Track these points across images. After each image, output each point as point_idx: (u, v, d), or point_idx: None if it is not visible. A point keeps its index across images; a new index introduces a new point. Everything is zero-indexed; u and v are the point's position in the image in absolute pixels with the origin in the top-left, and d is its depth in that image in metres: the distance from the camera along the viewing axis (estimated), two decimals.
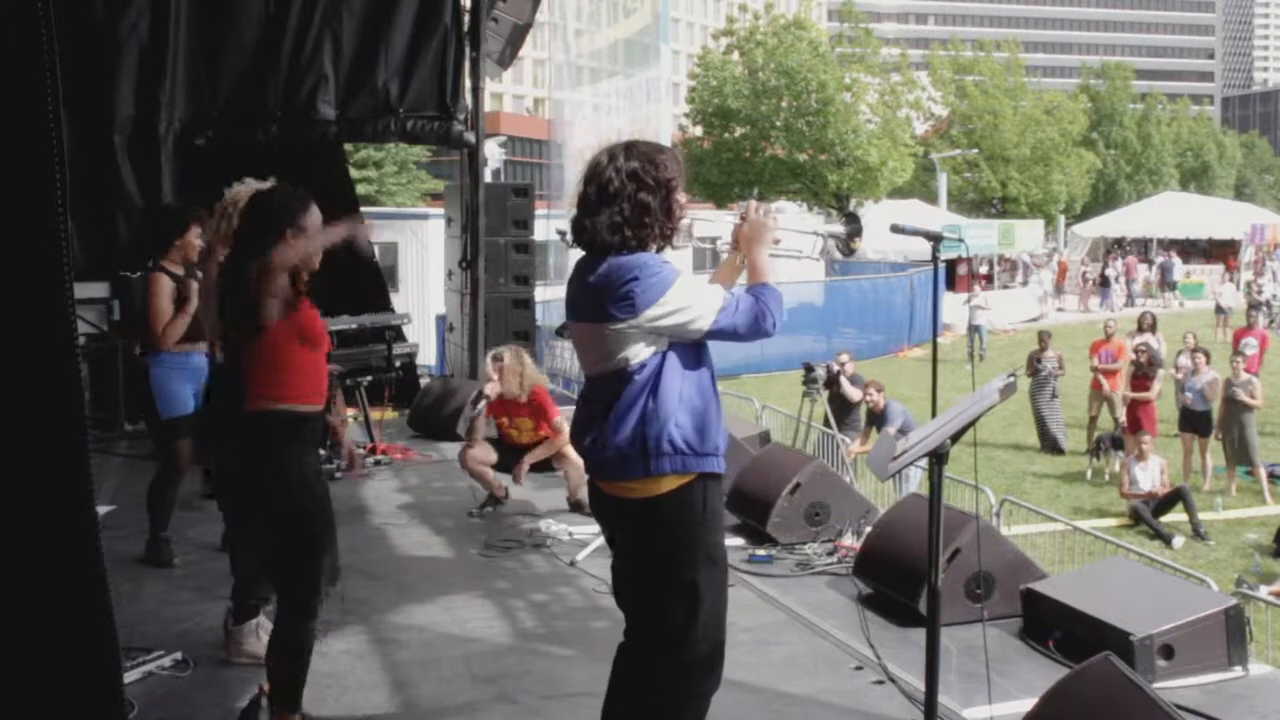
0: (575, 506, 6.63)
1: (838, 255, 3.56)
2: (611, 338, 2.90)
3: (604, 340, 2.92)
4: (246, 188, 4.69)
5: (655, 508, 2.91)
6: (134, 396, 8.98)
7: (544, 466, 6.80)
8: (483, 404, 6.66)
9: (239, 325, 3.61)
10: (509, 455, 6.71)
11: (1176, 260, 36.94)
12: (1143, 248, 40.57)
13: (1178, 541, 10.24)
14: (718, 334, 2.92)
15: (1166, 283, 35.41)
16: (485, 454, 6.68)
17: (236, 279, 3.60)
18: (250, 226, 3.71)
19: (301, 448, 3.64)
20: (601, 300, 2.89)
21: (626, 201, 2.90)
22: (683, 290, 2.88)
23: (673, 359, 2.92)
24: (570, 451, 6.48)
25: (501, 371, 6.55)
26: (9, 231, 2.18)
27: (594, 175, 2.95)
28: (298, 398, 3.63)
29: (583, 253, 3.03)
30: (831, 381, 10.78)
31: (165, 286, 5.51)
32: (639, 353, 2.90)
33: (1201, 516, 10.65)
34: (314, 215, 3.71)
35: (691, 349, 2.97)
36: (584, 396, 3.09)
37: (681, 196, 3.00)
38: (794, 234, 3.41)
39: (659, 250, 2.97)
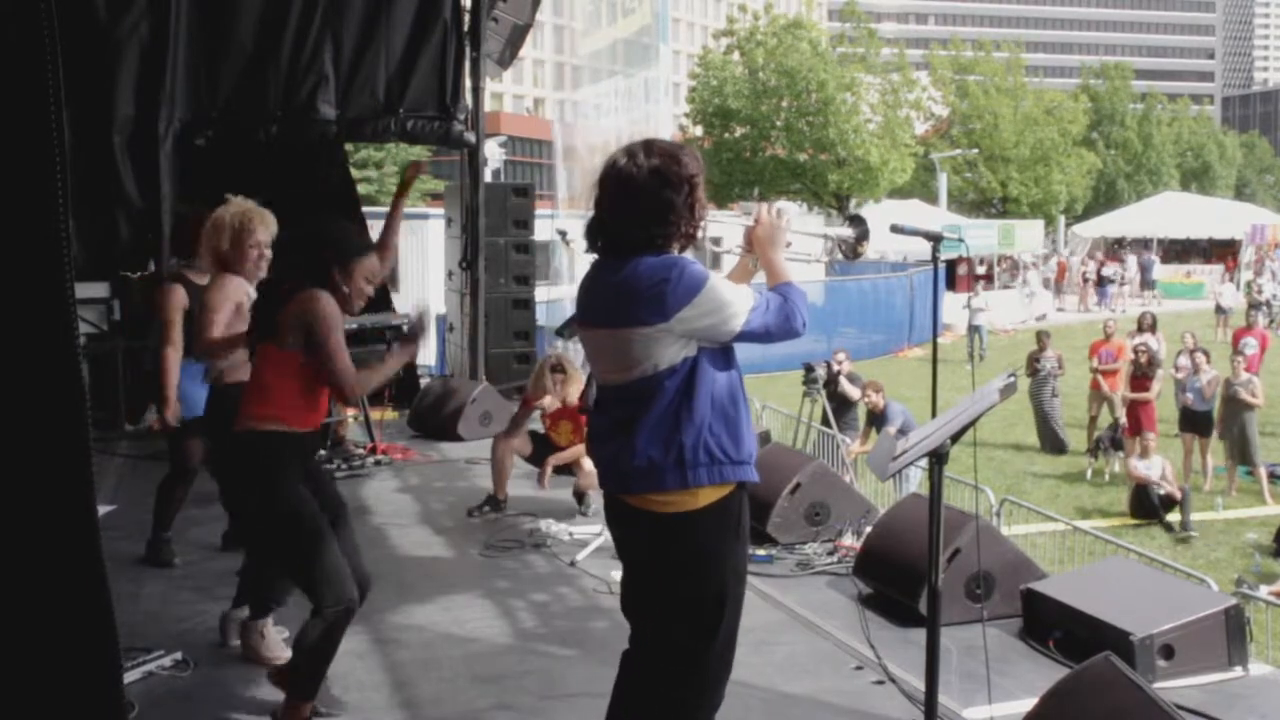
0: (578, 497, 6.71)
1: (839, 258, 3.55)
2: (639, 343, 2.77)
3: (629, 346, 2.79)
4: (245, 203, 4.77)
5: (692, 522, 2.79)
6: (134, 397, 8.99)
7: (562, 469, 6.89)
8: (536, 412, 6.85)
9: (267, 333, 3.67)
10: (544, 450, 6.82)
11: (1155, 259, 37.07)
12: (1141, 247, 40.59)
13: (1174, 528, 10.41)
14: (749, 335, 2.81)
15: (1146, 282, 35.55)
16: (522, 445, 6.80)
17: (275, 294, 3.66)
18: (295, 256, 3.74)
19: (285, 466, 3.69)
20: (628, 303, 2.77)
21: (650, 199, 2.79)
22: (715, 291, 2.77)
23: (704, 363, 2.80)
24: (588, 462, 6.54)
25: (564, 382, 6.67)
26: (10, 231, 2.18)
27: (613, 174, 2.84)
28: (293, 421, 3.70)
29: (599, 255, 2.94)
30: (830, 381, 10.79)
31: (178, 299, 5.38)
32: (669, 357, 2.77)
33: (1201, 516, 10.67)
34: (367, 265, 3.72)
35: (720, 352, 2.85)
36: (600, 405, 2.96)
37: (703, 195, 2.90)
38: (804, 237, 3.41)
39: (681, 250, 2.87)
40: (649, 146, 2.87)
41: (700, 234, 2.93)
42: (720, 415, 2.81)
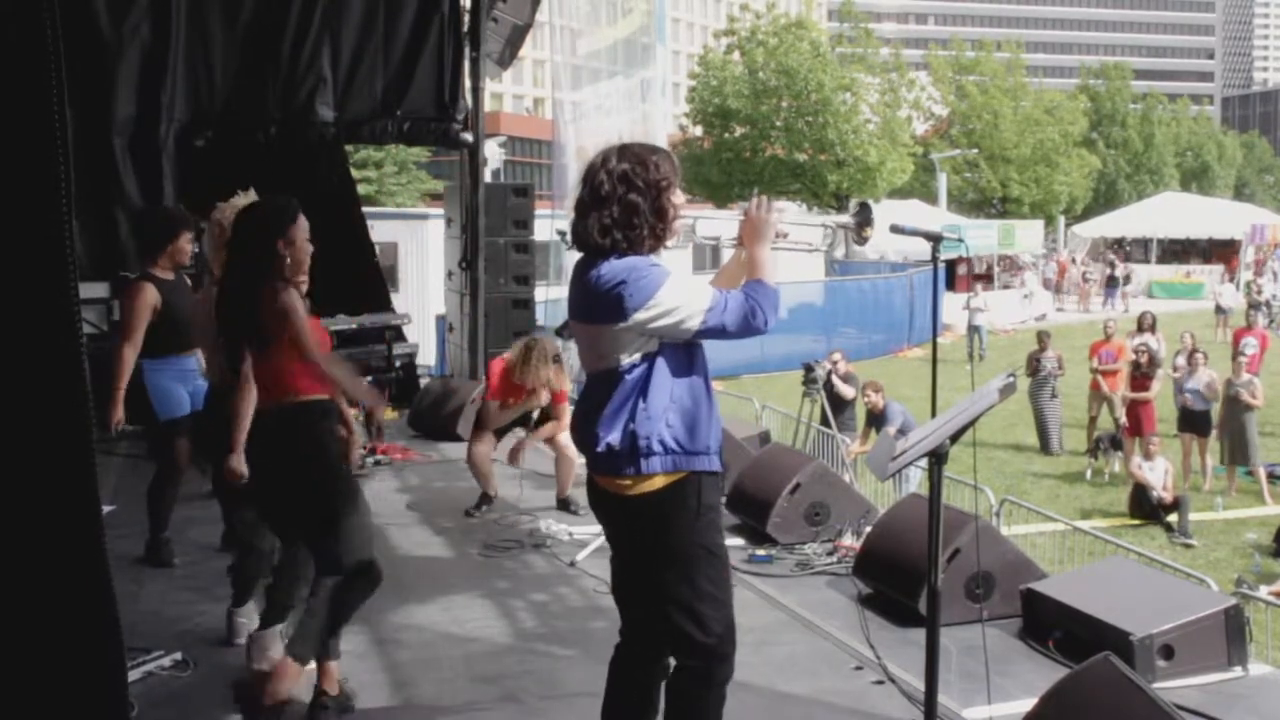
0: (563, 505, 6.70)
1: (846, 247, 3.56)
2: (606, 338, 2.93)
3: (599, 340, 2.96)
4: (242, 200, 4.73)
5: (649, 504, 2.94)
6: (134, 397, 8.98)
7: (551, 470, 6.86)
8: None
9: (253, 339, 3.78)
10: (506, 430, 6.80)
11: (1116, 259, 37.29)
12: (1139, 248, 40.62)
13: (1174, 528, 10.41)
14: (707, 333, 2.93)
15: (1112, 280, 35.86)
16: (489, 446, 6.74)
17: (244, 299, 3.74)
18: (240, 241, 3.83)
19: (328, 429, 3.87)
20: (594, 303, 2.93)
21: (616, 204, 2.91)
22: (671, 291, 2.89)
23: (664, 360, 2.94)
24: (563, 439, 6.56)
25: (559, 372, 6.62)
26: (14, 232, 2.18)
27: (588, 178, 2.97)
28: (313, 390, 3.81)
29: (580, 254, 3.04)
30: (826, 381, 10.80)
31: (149, 298, 5.44)
32: (631, 353, 2.93)
33: (1201, 516, 10.66)
34: (301, 226, 3.82)
35: (684, 350, 2.98)
36: (582, 393, 3.13)
37: (676, 197, 3.00)
38: (802, 227, 3.43)
39: (651, 251, 2.98)
40: (623, 151, 2.99)
41: (671, 237, 3.03)
42: (678, 409, 2.94)
